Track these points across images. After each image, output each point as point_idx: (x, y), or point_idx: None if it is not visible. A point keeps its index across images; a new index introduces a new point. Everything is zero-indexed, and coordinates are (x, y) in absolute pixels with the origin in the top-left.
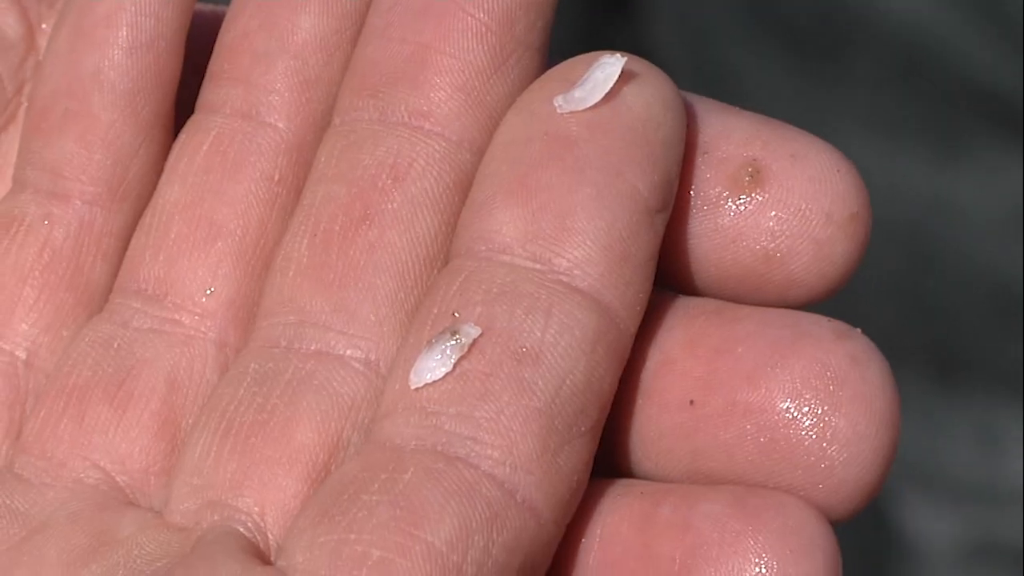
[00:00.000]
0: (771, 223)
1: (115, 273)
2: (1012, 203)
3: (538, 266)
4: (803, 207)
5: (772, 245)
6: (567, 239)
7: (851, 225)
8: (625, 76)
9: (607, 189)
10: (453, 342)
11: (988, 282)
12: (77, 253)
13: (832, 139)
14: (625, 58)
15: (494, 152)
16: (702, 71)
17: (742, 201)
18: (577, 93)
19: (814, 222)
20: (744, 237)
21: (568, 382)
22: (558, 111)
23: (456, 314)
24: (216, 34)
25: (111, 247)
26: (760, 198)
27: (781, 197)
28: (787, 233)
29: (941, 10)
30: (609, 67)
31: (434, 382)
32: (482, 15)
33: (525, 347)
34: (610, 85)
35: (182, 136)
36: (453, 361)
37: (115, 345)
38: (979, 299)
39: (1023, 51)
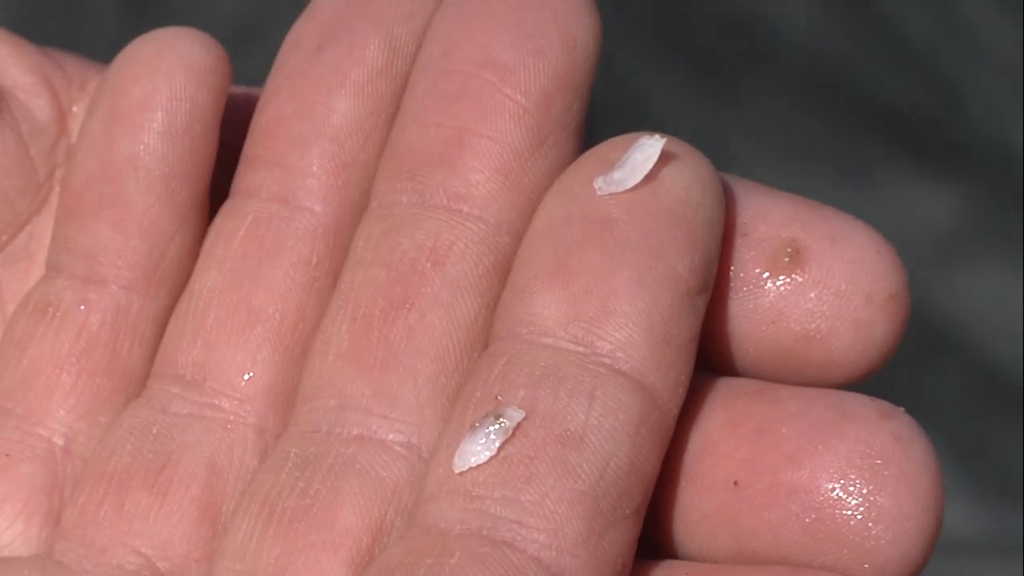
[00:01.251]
0: (811, 304)
1: (152, 358)
2: (922, 231)
3: (581, 349)
4: (843, 288)
5: (812, 326)
6: (609, 321)
7: (890, 306)
8: (664, 157)
9: (648, 271)
10: (497, 425)
11: None
12: (114, 338)
13: (739, 163)
14: (664, 139)
15: (534, 235)
16: (612, 100)
17: (782, 282)
18: (616, 175)
19: (854, 303)
20: (784, 318)
21: (613, 464)
22: (597, 193)
23: (499, 397)
24: (249, 116)
25: (148, 332)
26: (800, 279)
27: (821, 278)
28: (827, 314)
29: (847, 34)
30: (648, 148)
31: (478, 466)
32: (519, 97)
33: (569, 430)
34: (649, 167)
35: (218, 220)
36: (497, 445)
37: (154, 431)
38: None
39: (924, 75)
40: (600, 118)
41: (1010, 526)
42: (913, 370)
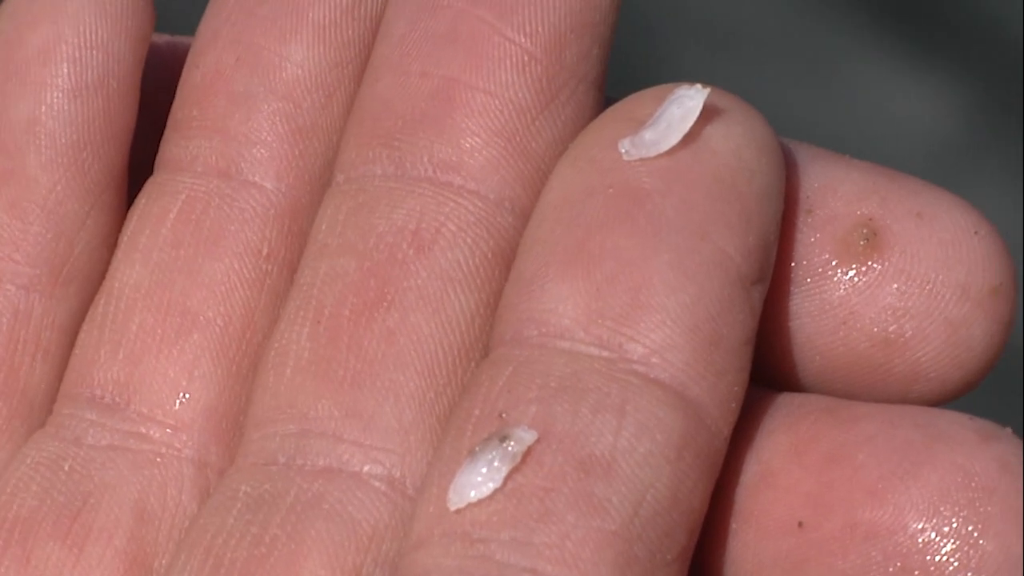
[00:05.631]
0: (892, 299)
1: (60, 376)
2: (907, 140)
3: (606, 353)
4: (932, 279)
5: (894, 327)
6: (642, 318)
7: (993, 301)
8: (707, 113)
9: (690, 255)
10: (502, 451)
11: None
12: (11, 352)
13: (668, 56)
14: (707, 90)
15: (544, 212)
16: None
17: (855, 271)
18: (648, 135)
19: (947, 297)
20: (858, 317)
21: (649, 498)
22: (624, 158)
23: (504, 415)
24: (179, 70)
25: (53, 343)
26: (878, 267)
27: (905, 266)
28: (912, 312)
29: None
30: (688, 101)
31: (480, 501)
32: (524, 40)
33: (594, 455)
34: (689, 124)
35: (141, 202)
36: (503, 474)
37: (66, 467)
38: None
39: None
40: None
41: None
42: None
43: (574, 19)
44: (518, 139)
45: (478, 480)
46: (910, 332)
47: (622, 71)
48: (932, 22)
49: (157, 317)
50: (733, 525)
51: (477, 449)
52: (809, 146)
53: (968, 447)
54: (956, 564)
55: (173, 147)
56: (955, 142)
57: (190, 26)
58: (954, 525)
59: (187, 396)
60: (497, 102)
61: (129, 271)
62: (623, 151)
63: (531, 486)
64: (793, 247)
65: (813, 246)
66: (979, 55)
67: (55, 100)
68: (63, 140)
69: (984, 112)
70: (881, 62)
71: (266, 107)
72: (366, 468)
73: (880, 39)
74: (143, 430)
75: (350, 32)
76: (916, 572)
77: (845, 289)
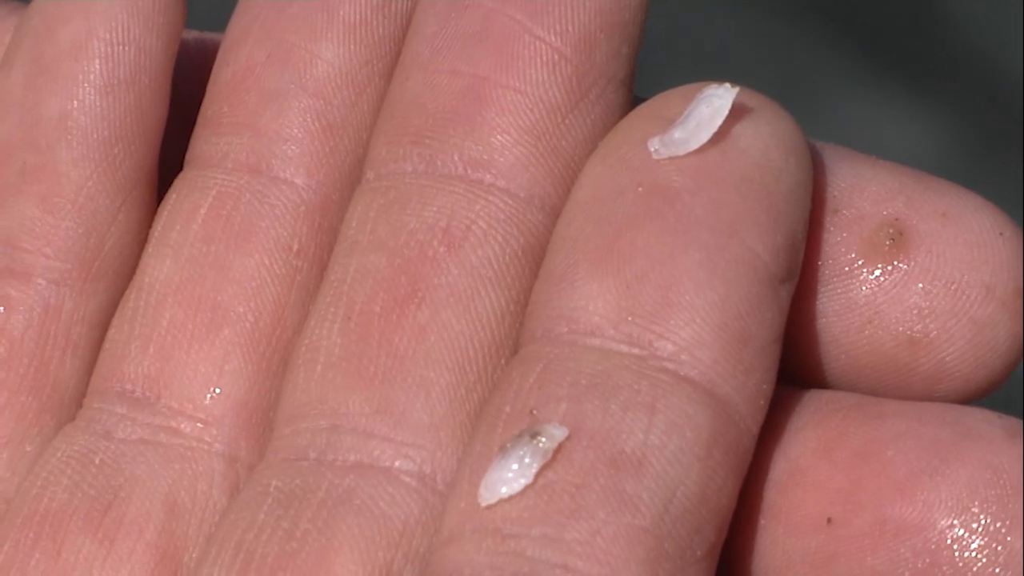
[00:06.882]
0: (918, 299)
1: (89, 370)
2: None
3: (636, 350)
4: (958, 279)
5: (919, 326)
6: (672, 316)
7: (1017, 301)
8: (736, 112)
9: (720, 253)
10: (533, 447)
11: None
12: (41, 346)
13: (662, 86)
14: (736, 89)
15: (574, 210)
16: None
17: (881, 271)
18: (677, 134)
19: (972, 297)
20: (884, 316)
21: (679, 495)
22: (654, 157)
23: (535, 412)
24: (209, 66)
25: (84, 338)
26: (904, 267)
27: (930, 266)
28: (938, 311)
29: None
30: (716, 100)
31: (511, 497)
32: (554, 39)
33: (624, 451)
34: (718, 123)
35: (171, 197)
36: (534, 470)
37: (96, 461)
38: None
39: None
40: None
41: None
42: None
43: (604, 18)
44: (548, 137)
45: (509, 476)
46: (935, 332)
47: None
48: (921, 53)
49: (188, 312)
50: (762, 522)
51: (508, 445)
52: (836, 146)
53: (997, 444)
54: (984, 560)
55: (203, 143)
56: (942, 173)
57: (220, 23)
58: (983, 522)
59: (217, 391)
60: (527, 100)
61: (160, 266)
62: (652, 150)
63: (562, 482)
64: (820, 246)
65: (839, 245)
66: (968, 87)
67: (86, 96)
68: (94, 136)
69: (972, 144)
70: (869, 92)
71: (297, 104)
72: (397, 464)
73: (868, 70)
74: (173, 424)
75: (381, 30)
76: (945, 568)
77: (871, 288)
